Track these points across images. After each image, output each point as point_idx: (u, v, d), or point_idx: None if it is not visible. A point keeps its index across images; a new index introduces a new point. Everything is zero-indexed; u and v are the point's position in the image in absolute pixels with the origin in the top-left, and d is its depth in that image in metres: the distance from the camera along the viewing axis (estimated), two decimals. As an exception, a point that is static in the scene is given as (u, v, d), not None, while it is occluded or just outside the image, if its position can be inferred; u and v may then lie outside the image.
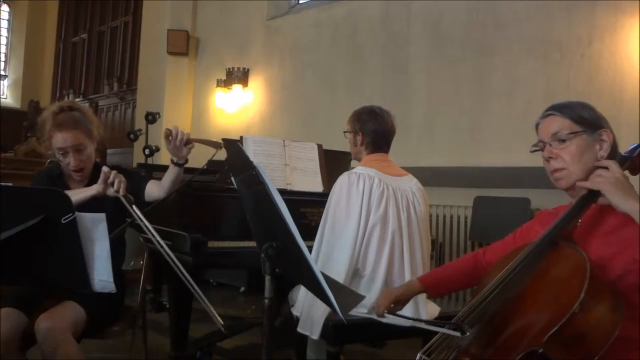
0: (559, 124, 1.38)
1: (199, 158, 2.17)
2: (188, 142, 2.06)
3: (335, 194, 2.14)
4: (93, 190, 1.89)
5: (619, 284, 1.20)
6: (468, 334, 1.16)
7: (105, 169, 1.89)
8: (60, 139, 2.03)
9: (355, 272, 2.08)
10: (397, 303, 1.64)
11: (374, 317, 2.05)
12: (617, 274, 1.22)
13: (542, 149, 1.41)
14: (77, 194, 1.89)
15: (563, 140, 1.37)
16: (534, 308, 1.21)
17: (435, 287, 1.68)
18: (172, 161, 2.11)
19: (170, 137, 2.04)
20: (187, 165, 2.13)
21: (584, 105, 1.41)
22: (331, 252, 2.07)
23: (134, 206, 1.72)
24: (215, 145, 2.03)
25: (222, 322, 1.47)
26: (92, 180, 2.09)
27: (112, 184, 1.84)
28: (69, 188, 2.07)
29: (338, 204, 2.11)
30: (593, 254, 1.22)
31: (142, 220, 1.63)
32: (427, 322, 1.28)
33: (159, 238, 1.58)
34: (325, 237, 2.10)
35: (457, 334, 1.18)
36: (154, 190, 2.13)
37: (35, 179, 2.17)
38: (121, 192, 1.83)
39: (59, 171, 2.15)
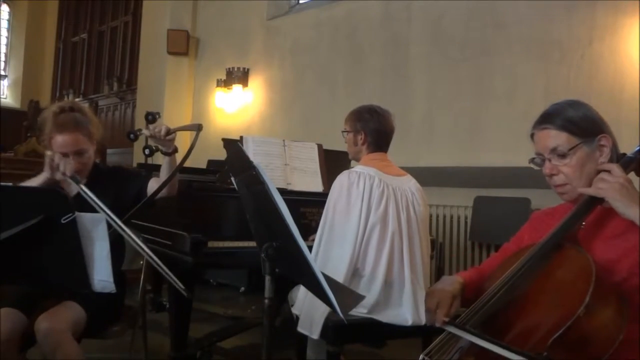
0: (556, 139, 1.32)
1: (197, 155, 2.18)
2: (168, 132, 2.08)
3: (335, 192, 2.13)
4: (42, 177, 1.91)
5: (623, 287, 1.19)
6: None
7: (48, 153, 1.91)
8: (61, 142, 2.02)
9: (355, 272, 2.07)
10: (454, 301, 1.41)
11: (374, 317, 2.06)
12: (622, 276, 1.21)
13: (541, 164, 1.37)
14: (27, 184, 1.92)
15: (563, 156, 1.32)
16: (538, 311, 1.19)
17: (468, 291, 1.46)
18: (161, 152, 2.12)
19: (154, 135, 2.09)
20: (186, 165, 2.13)
21: (575, 107, 1.35)
22: (331, 252, 2.06)
23: (81, 185, 1.73)
24: (194, 128, 2.03)
25: (184, 288, 1.53)
26: (90, 180, 2.10)
27: (58, 167, 1.86)
28: None
29: (338, 202, 2.10)
30: (598, 256, 1.20)
31: (94, 201, 1.63)
32: (506, 347, 1.12)
33: (115, 218, 1.57)
34: (325, 236, 2.09)
35: None
36: (155, 187, 2.12)
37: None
38: (68, 172, 1.85)
39: None
